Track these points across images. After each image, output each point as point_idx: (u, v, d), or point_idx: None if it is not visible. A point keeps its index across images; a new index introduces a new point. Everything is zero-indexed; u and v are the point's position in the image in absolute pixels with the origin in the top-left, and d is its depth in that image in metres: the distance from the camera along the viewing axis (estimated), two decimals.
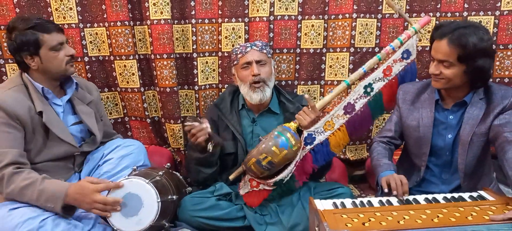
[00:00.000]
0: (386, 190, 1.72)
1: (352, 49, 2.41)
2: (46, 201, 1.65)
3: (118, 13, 2.34)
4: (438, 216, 1.50)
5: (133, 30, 2.39)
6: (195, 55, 2.44)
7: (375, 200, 1.69)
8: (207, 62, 2.48)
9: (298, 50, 2.46)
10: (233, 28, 2.42)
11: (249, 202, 1.98)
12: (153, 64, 2.40)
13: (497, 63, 2.37)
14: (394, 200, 1.69)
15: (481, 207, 1.56)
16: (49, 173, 1.77)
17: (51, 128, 1.80)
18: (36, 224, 1.60)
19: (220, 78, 2.53)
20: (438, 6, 2.35)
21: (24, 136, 1.76)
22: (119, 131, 2.58)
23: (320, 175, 2.22)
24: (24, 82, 1.82)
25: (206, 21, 2.40)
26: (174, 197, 1.89)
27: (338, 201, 1.68)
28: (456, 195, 1.69)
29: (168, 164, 2.11)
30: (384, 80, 1.96)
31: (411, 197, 1.70)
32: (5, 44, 2.30)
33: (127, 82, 2.48)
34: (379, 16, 2.39)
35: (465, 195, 1.68)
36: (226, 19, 2.40)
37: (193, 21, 2.39)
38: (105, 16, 2.37)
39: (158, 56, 2.37)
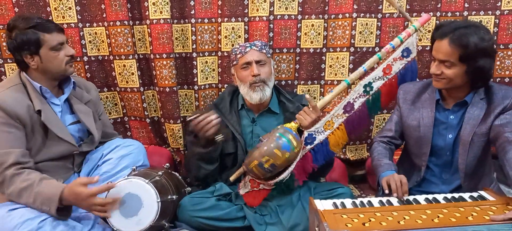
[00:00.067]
0: (386, 191, 1.71)
1: (352, 49, 2.40)
2: (41, 204, 1.65)
3: (117, 13, 2.33)
4: (438, 216, 1.50)
5: (133, 30, 2.38)
6: (194, 55, 2.44)
7: (375, 200, 1.68)
8: (206, 62, 2.48)
9: (298, 50, 2.45)
10: (233, 28, 2.41)
11: (249, 202, 1.98)
12: (153, 64, 2.39)
13: (498, 63, 2.36)
14: (394, 200, 1.69)
15: (482, 207, 1.56)
16: (48, 172, 1.77)
17: (50, 126, 1.79)
18: (35, 224, 1.60)
19: (219, 78, 2.53)
20: (439, 5, 2.35)
21: (24, 134, 1.76)
22: (118, 130, 2.57)
23: (322, 174, 2.21)
24: (22, 81, 1.82)
25: (206, 20, 2.40)
26: (174, 197, 1.89)
27: (338, 201, 1.67)
28: (456, 195, 1.69)
29: (168, 164, 2.10)
30: (383, 79, 1.96)
31: (411, 197, 1.70)
32: (4, 43, 2.29)
33: (127, 82, 2.47)
34: (379, 15, 2.38)
35: (466, 195, 1.68)
36: (225, 19, 2.40)
37: (193, 20, 2.38)
38: (104, 15, 2.36)
39: (157, 56, 2.37)
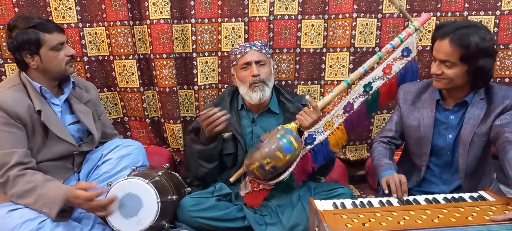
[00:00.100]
0: (386, 191, 1.71)
1: (352, 49, 2.40)
2: (42, 206, 1.65)
3: (117, 13, 2.33)
4: (438, 217, 1.50)
5: (133, 30, 2.38)
6: (194, 55, 2.44)
7: (375, 201, 1.68)
8: (206, 62, 2.47)
9: (298, 50, 2.45)
10: (233, 28, 2.41)
11: (250, 203, 1.98)
12: (153, 64, 2.39)
13: (498, 63, 2.36)
14: (394, 200, 1.69)
15: (482, 207, 1.56)
16: (48, 173, 1.77)
17: (50, 126, 1.79)
18: (35, 225, 1.60)
19: (219, 78, 2.53)
20: (439, 5, 2.35)
21: (26, 134, 1.76)
22: (118, 131, 2.56)
23: (324, 173, 2.21)
24: (22, 81, 1.82)
25: (206, 20, 2.40)
26: (174, 197, 1.89)
27: (338, 202, 1.67)
28: (456, 195, 1.69)
29: (168, 164, 2.10)
30: (383, 79, 1.96)
31: (411, 198, 1.70)
32: (4, 43, 2.29)
33: (127, 82, 2.47)
34: (379, 15, 2.38)
35: (466, 196, 1.68)
36: (225, 19, 2.39)
37: (193, 20, 2.38)
38: (104, 15, 2.36)
39: (157, 56, 2.37)
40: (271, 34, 2.39)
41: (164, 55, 2.36)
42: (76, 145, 1.91)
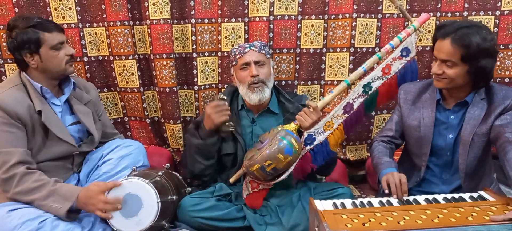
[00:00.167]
0: (386, 191, 1.71)
1: (352, 49, 2.40)
2: (54, 201, 1.66)
3: (117, 13, 2.33)
4: (438, 217, 1.50)
5: (133, 30, 2.38)
6: (194, 55, 2.44)
7: (375, 201, 1.68)
8: (206, 62, 2.48)
9: (298, 50, 2.45)
10: (233, 28, 2.41)
11: (251, 204, 1.98)
12: (153, 64, 2.39)
13: (498, 63, 2.36)
14: (394, 200, 1.68)
15: (482, 207, 1.56)
16: (48, 173, 1.77)
17: (50, 127, 1.80)
18: (35, 225, 1.60)
19: (219, 78, 2.53)
20: (439, 5, 2.35)
21: (26, 134, 1.76)
22: (118, 131, 2.57)
23: (326, 173, 2.21)
24: (22, 81, 1.82)
25: (206, 21, 2.40)
26: (174, 197, 1.89)
27: (338, 202, 1.67)
28: (456, 195, 1.69)
29: (168, 164, 2.10)
30: (383, 79, 1.96)
31: (411, 198, 1.70)
32: (4, 44, 2.29)
33: (127, 82, 2.47)
34: (379, 16, 2.38)
35: (465, 196, 1.68)
36: (225, 19, 2.40)
37: (193, 21, 2.38)
38: (104, 16, 2.36)
39: (157, 56, 2.37)
40: (271, 35, 2.40)
41: (164, 56, 2.36)
42: (76, 145, 1.91)
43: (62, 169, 1.91)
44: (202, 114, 2.12)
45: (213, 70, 2.50)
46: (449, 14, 2.36)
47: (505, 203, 1.58)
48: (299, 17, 2.39)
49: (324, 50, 2.45)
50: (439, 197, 1.68)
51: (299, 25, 2.41)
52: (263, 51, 2.11)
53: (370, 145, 2.10)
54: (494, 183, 1.90)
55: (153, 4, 2.27)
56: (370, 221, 1.49)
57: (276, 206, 1.99)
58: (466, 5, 2.33)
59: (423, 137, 1.86)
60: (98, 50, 2.44)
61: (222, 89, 2.51)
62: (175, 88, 2.44)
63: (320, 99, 2.01)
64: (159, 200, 1.75)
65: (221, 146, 2.12)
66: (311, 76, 2.49)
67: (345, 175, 2.55)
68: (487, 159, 1.87)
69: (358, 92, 1.96)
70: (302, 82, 2.50)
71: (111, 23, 2.36)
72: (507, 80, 2.39)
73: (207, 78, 2.51)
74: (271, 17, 2.37)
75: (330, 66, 2.47)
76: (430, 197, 1.69)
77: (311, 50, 2.44)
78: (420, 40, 2.40)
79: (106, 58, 2.45)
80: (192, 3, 2.35)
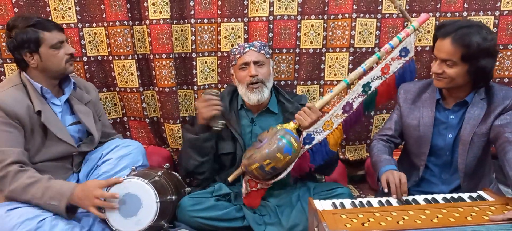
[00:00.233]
0: (386, 190, 1.71)
1: (351, 49, 2.40)
2: (51, 198, 1.65)
3: (117, 13, 2.33)
4: (437, 217, 1.50)
5: (132, 30, 2.38)
6: (194, 55, 2.44)
7: (374, 200, 1.68)
8: (206, 62, 2.48)
9: (297, 50, 2.45)
10: (233, 28, 2.41)
11: (250, 203, 1.97)
12: (152, 64, 2.39)
13: (497, 63, 2.36)
14: (393, 200, 1.68)
15: (481, 207, 1.56)
16: (47, 173, 1.77)
17: (50, 127, 1.80)
18: (34, 224, 1.60)
19: (219, 78, 2.53)
20: (438, 6, 2.35)
21: (23, 135, 1.76)
22: (118, 131, 2.57)
23: (327, 172, 2.21)
24: (22, 81, 1.82)
25: (205, 21, 2.40)
26: (173, 197, 1.89)
27: (337, 201, 1.67)
28: (455, 195, 1.69)
29: (167, 164, 2.10)
30: (381, 79, 1.96)
31: (410, 197, 1.70)
32: (4, 43, 2.29)
33: (126, 82, 2.47)
34: (379, 16, 2.38)
35: (465, 196, 1.68)
36: (225, 19, 2.40)
37: (192, 21, 2.38)
38: (104, 16, 2.36)
39: (157, 56, 2.37)
40: (270, 35, 2.40)
41: (164, 56, 2.36)
42: (75, 145, 1.91)
43: (62, 169, 1.91)
44: None
45: (213, 70, 2.50)
46: (449, 14, 2.36)
47: (504, 203, 1.58)
48: (299, 17, 2.39)
49: (324, 50, 2.45)
50: (439, 197, 1.68)
51: (298, 25, 2.41)
52: (263, 51, 2.11)
53: (369, 144, 2.10)
54: (493, 183, 1.90)
55: (153, 4, 2.27)
56: (369, 221, 1.49)
57: (275, 206, 1.99)
58: (465, 5, 2.33)
59: (423, 137, 1.86)
60: (98, 50, 2.44)
61: (222, 90, 2.51)
62: (174, 88, 2.44)
63: (319, 99, 2.00)
64: (158, 200, 1.75)
65: (220, 145, 2.12)
66: (310, 76, 2.49)
67: (344, 175, 2.56)
68: (487, 159, 1.87)
69: (357, 92, 1.96)
70: (302, 82, 2.50)
71: (111, 23, 2.36)
72: (506, 80, 2.39)
73: (206, 78, 2.51)
74: (271, 17, 2.37)
75: (330, 66, 2.47)
76: (429, 197, 1.69)
77: (311, 50, 2.44)
78: (419, 40, 2.40)
79: (105, 58, 2.45)
80: (191, 3, 2.35)
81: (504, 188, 2.04)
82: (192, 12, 2.37)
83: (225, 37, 2.43)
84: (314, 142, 1.93)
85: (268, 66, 2.12)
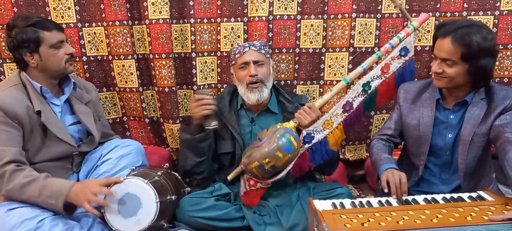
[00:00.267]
0: (386, 190, 1.71)
1: (351, 49, 2.40)
2: (48, 197, 1.65)
3: (116, 13, 2.33)
4: (437, 217, 1.50)
5: (132, 30, 2.38)
6: (194, 55, 2.44)
7: (374, 201, 1.68)
8: (206, 62, 2.47)
9: (297, 50, 2.45)
10: (232, 28, 2.41)
11: (248, 202, 1.97)
12: (152, 64, 2.39)
13: (497, 63, 2.36)
14: (393, 200, 1.68)
15: (480, 207, 1.56)
16: (47, 173, 1.76)
17: (49, 127, 1.79)
18: (34, 224, 1.60)
19: (219, 78, 2.53)
20: (438, 5, 2.35)
21: (22, 135, 1.76)
22: (117, 130, 2.57)
23: (328, 172, 2.21)
24: (22, 81, 1.82)
25: (205, 20, 2.40)
26: (173, 197, 1.89)
27: (337, 201, 1.67)
28: (455, 195, 1.69)
29: (167, 164, 2.10)
30: (381, 78, 1.97)
31: (410, 197, 1.69)
32: (3, 43, 2.29)
33: (126, 82, 2.47)
34: (379, 16, 2.38)
35: (464, 196, 1.68)
36: (225, 19, 2.39)
37: (192, 20, 2.38)
38: (103, 15, 2.36)
39: (156, 56, 2.37)
40: (270, 34, 2.39)
41: (163, 55, 2.36)
42: (76, 145, 1.90)
43: (62, 169, 1.91)
44: None
45: (212, 70, 2.50)
46: (448, 14, 2.36)
47: (504, 203, 1.58)
48: (299, 17, 2.39)
49: (324, 50, 2.44)
50: (438, 197, 1.68)
51: (298, 25, 2.41)
52: (263, 51, 2.11)
53: (369, 144, 2.10)
54: (493, 183, 1.90)
55: (152, 3, 2.27)
56: (369, 221, 1.49)
57: (275, 206, 1.99)
58: (465, 5, 2.33)
59: (422, 136, 1.86)
60: (97, 50, 2.44)
61: (221, 89, 2.51)
62: (174, 88, 2.44)
63: (319, 99, 2.00)
64: (158, 200, 1.75)
65: (220, 144, 2.12)
66: (310, 76, 2.49)
67: (344, 174, 2.56)
68: (487, 159, 1.87)
69: (357, 91, 1.96)
70: (301, 82, 2.50)
71: (110, 23, 2.36)
72: (506, 80, 2.39)
73: (206, 78, 2.51)
74: (270, 17, 2.37)
75: (329, 66, 2.47)
76: (429, 197, 1.69)
77: (310, 50, 2.44)
78: (419, 40, 2.40)
79: (105, 58, 2.45)
80: (191, 3, 2.35)
81: (504, 188, 2.04)
82: (191, 12, 2.37)
83: (225, 37, 2.42)
84: (314, 141, 1.93)
85: (268, 66, 2.12)
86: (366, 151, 2.62)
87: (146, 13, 2.30)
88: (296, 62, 2.47)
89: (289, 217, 1.91)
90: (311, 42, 2.43)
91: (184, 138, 2.06)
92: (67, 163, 1.93)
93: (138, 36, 2.41)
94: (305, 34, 2.42)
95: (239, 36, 2.43)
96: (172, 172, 2.15)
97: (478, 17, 2.32)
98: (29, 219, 1.60)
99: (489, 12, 2.32)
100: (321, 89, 2.52)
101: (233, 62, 2.14)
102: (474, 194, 1.69)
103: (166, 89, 2.43)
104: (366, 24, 2.38)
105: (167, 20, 2.31)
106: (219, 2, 2.38)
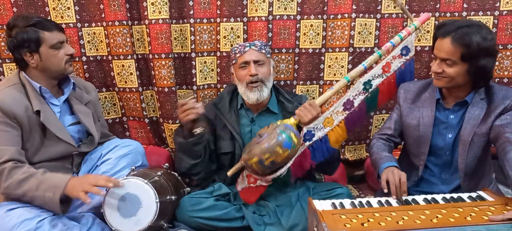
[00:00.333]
0: (385, 190, 1.71)
1: (351, 49, 2.40)
2: (45, 190, 1.64)
3: (116, 13, 2.33)
4: (437, 217, 1.49)
5: (131, 30, 2.38)
6: (193, 55, 2.43)
7: (374, 201, 1.68)
8: (205, 62, 2.47)
9: (297, 50, 2.45)
10: (232, 28, 2.41)
11: (245, 198, 1.97)
12: (151, 64, 2.39)
13: (497, 63, 2.36)
14: (393, 200, 1.68)
15: (480, 207, 1.56)
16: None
17: (49, 126, 1.79)
18: (33, 224, 1.60)
19: (218, 78, 2.53)
20: (437, 6, 2.35)
21: (21, 135, 1.76)
22: (117, 131, 2.57)
23: (328, 171, 2.21)
24: (21, 81, 1.82)
25: (205, 20, 2.40)
26: (173, 197, 1.89)
27: (337, 202, 1.67)
28: (455, 195, 1.69)
29: (167, 164, 2.10)
30: (382, 77, 1.97)
31: (410, 198, 1.69)
32: (2, 43, 2.29)
33: (125, 82, 2.47)
34: (378, 16, 2.38)
35: (464, 196, 1.67)
36: (224, 19, 2.39)
37: (192, 20, 2.38)
38: (103, 15, 2.36)
39: (156, 56, 2.37)
40: (270, 34, 2.39)
41: (163, 55, 2.36)
42: (75, 145, 1.90)
43: (61, 169, 1.90)
44: None
45: (212, 70, 2.50)
46: (448, 14, 2.36)
47: (503, 203, 1.58)
48: (298, 17, 2.39)
49: (323, 50, 2.44)
50: (438, 197, 1.68)
51: (298, 25, 2.41)
52: (263, 51, 2.11)
53: (369, 143, 2.10)
54: (493, 183, 1.90)
55: (152, 4, 2.27)
56: (369, 221, 1.49)
57: (275, 206, 1.99)
58: (465, 5, 2.34)
59: (422, 136, 1.86)
60: (97, 50, 2.44)
61: (221, 89, 2.51)
62: (173, 88, 2.44)
63: (320, 97, 2.00)
64: (157, 200, 1.75)
65: (219, 144, 2.12)
66: (310, 76, 2.49)
67: (344, 174, 2.55)
68: (487, 159, 1.87)
69: (358, 89, 1.95)
70: (301, 82, 2.50)
71: (110, 23, 2.36)
72: (505, 80, 2.39)
73: (206, 78, 2.51)
74: (270, 17, 2.37)
75: (329, 66, 2.47)
76: (429, 197, 1.69)
77: (310, 50, 2.44)
78: (419, 40, 2.40)
79: (104, 58, 2.45)
80: (191, 3, 2.35)
81: (504, 188, 2.04)
82: (191, 12, 2.37)
83: (225, 37, 2.42)
84: (314, 139, 1.93)
85: (268, 65, 2.12)
86: (366, 151, 2.62)
87: (145, 13, 2.30)
88: (295, 62, 2.47)
89: (289, 217, 1.91)
90: (310, 42, 2.43)
91: (178, 141, 2.05)
92: (67, 163, 1.93)
93: (137, 36, 2.41)
94: (304, 34, 2.42)
95: (238, 36, 2.43)
96: (172, 172, 2.15)
97: (478, 17, 2.33)
98: (29, 220, 1.61)
99: (489, 12, 2.32)
100: (321, 90, 2.52)
101: (234, 61, 2.13)
102: (474, 194, 1.69)
103: (166, 90, 2.43)
104: (365, 24, 2.38)
105: (167, 20, 2.31)
106: (218, 2, 2.38)
